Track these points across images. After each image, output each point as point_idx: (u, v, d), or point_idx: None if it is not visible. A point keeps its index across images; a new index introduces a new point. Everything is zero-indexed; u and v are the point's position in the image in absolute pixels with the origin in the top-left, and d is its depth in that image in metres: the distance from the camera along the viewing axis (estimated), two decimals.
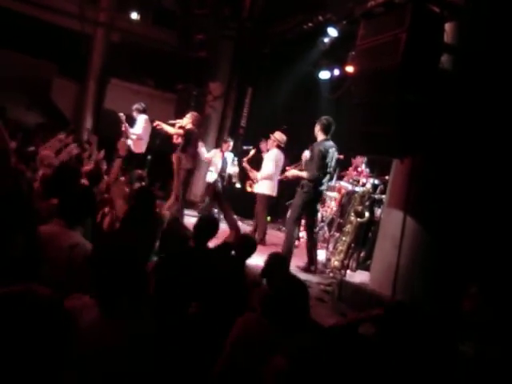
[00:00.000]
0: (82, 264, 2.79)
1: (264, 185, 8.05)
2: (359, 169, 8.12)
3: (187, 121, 7.88)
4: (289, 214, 6.98)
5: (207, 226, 4.32)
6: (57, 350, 1.87)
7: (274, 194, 8.13)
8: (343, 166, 8.54)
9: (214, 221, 4.53)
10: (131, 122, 8.88)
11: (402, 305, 2.63)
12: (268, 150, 8.24)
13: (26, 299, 1.87)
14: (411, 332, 2.37)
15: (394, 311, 2.49)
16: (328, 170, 6.29)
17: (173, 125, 8.01)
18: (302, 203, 6.32)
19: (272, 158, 8.02)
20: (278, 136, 7.99)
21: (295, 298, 2.63)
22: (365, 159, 8.02)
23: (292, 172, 7.08)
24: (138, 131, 8.73)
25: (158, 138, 9.02)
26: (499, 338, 2.55)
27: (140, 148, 8.82)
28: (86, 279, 2.73)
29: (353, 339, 2.38)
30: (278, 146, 8.00)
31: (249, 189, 7.98)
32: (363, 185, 6.82)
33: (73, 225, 2.98)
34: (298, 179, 6.70)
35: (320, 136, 6.27)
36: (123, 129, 8.67)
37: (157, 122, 8.01)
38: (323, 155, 6.14)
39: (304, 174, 6.38)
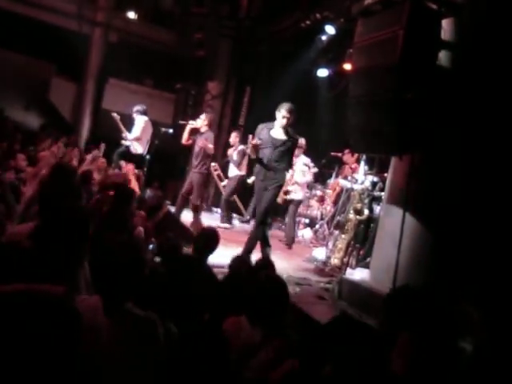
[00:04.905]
0: None
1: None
2: (352, 166, 8.10)
3: (202, 122, 7.78)
4: (260, 207, 6.01)
5: None
6: (65, 347, 1.87)
7: None
8: (340, 163, 8.56)
9: None
10: (130, 122, 8.86)
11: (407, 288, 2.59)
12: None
13: (39, 298, 1.87)
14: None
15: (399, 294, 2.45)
16: None
17: (185, 125, 7.94)
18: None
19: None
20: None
21: (277, 298, 2.66)
22: (363, 156, 7.99)
23: None
24: (135, 134, 8.67)
25: (156, 139, 9.01)
26: (493, 336, 2.55)
27: (139, 148, 8.80)
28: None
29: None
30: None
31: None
32: (362, 182, 6.81)
33: None
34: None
35: None
36: (123, 135, 8.64)
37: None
38: None
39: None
